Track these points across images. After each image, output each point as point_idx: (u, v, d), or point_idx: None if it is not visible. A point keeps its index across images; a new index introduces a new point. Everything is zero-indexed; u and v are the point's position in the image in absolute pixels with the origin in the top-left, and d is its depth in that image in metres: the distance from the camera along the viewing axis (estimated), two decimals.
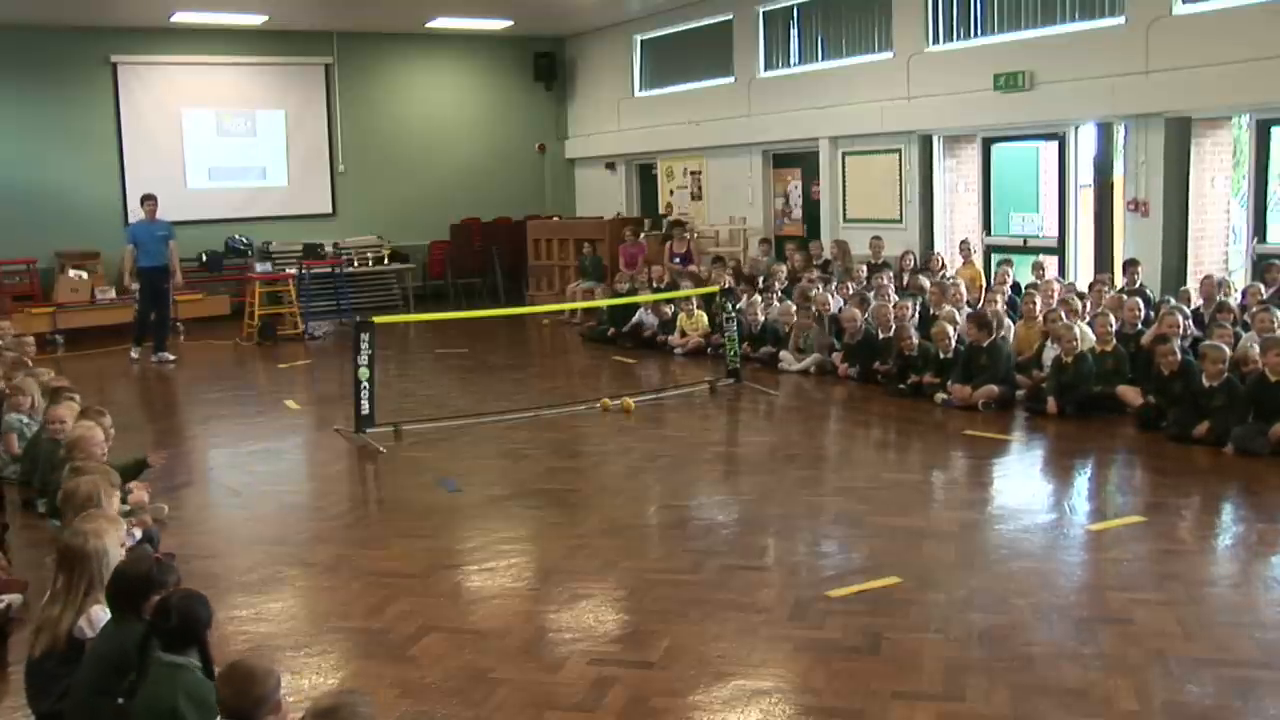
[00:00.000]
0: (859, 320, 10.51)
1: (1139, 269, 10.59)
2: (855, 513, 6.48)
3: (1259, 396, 7.56)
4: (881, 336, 10.27)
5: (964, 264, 12.32)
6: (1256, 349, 7.91)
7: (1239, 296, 9.76)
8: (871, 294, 11.35)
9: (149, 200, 13.10)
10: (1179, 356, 8.05)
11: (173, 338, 14.79)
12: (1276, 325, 8.20)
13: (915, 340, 9.78)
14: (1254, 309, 8.82)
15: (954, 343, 9.50)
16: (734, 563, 5.69)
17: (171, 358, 13.02)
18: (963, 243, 12.59)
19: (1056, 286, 10.70)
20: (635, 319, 13.18)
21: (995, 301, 10.44)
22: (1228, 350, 7.90)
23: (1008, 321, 10.09)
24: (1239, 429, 7.44)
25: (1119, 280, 10.70)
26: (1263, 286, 9.54)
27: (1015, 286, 11.35)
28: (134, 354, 13.14)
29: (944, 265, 12.59)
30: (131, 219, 16.39)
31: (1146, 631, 4.67)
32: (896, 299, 11.16)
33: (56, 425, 6.78)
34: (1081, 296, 10.16)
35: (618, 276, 15.35)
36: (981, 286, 11.99)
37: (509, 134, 19.14)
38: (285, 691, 3.41)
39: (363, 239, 17.30)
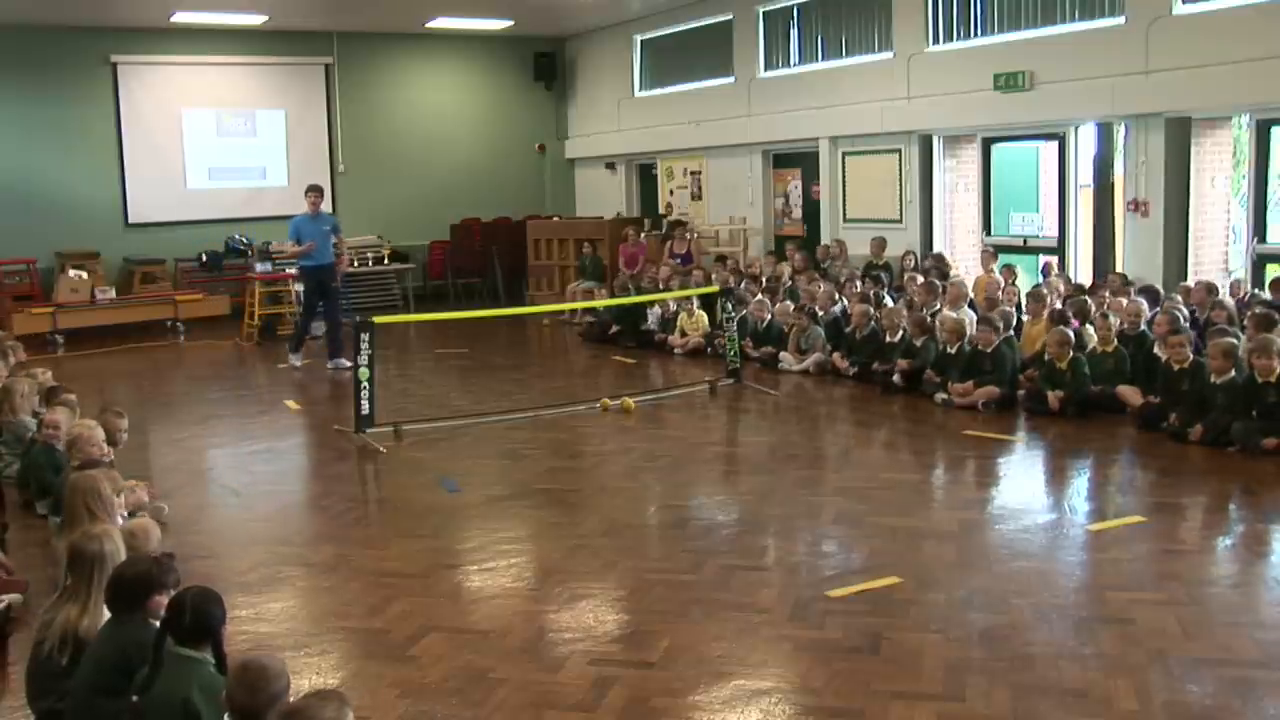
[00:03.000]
0: (869, 315, 10.51)
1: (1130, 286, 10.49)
2: (855, 513, 6.48)
3: (1250, 397, 7.58)
4: (887, 340, 10.24)
5: (985, 272, 12.02)
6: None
7: (1254, 291, 9.73)
8: (871, 293, 11.36)
9: (313, 191, 12.21)
10: (1188, 350, 8.06)
11: (175, 339, 14.84)
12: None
13: (935, 320, 9.80)
14: (1251, 311, 8.81)
15: (964, 340, 9.48)
16: (734, 563, 5.69)
17: (348, 364, 10.77)
18: (985, 251, 12.34)
19: (1062, 286, 10.69)
20: (650, 321, 13.15)
21: (1002, 303, 10.41)
22: (1235, 343, 7.91)
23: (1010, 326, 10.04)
24: (1239, 424, 7.45)
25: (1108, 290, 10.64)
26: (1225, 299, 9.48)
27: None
28: (295, 362, 12.15)
29: (937, 264, 12.52)
30: (132, 219, 16.50)
31: (1146, 631, 4.67)
32: (889, 299, 11.17)
33: (52, 430, 6.78)
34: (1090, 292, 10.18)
35: (617, 277, 15.35)
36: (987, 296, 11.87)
37: (509, 134, 19.14)
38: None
39: (363, 239, 17.29)
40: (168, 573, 3.89)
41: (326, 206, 17.43)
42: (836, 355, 10.66)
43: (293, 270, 15.08)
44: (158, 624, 3.76)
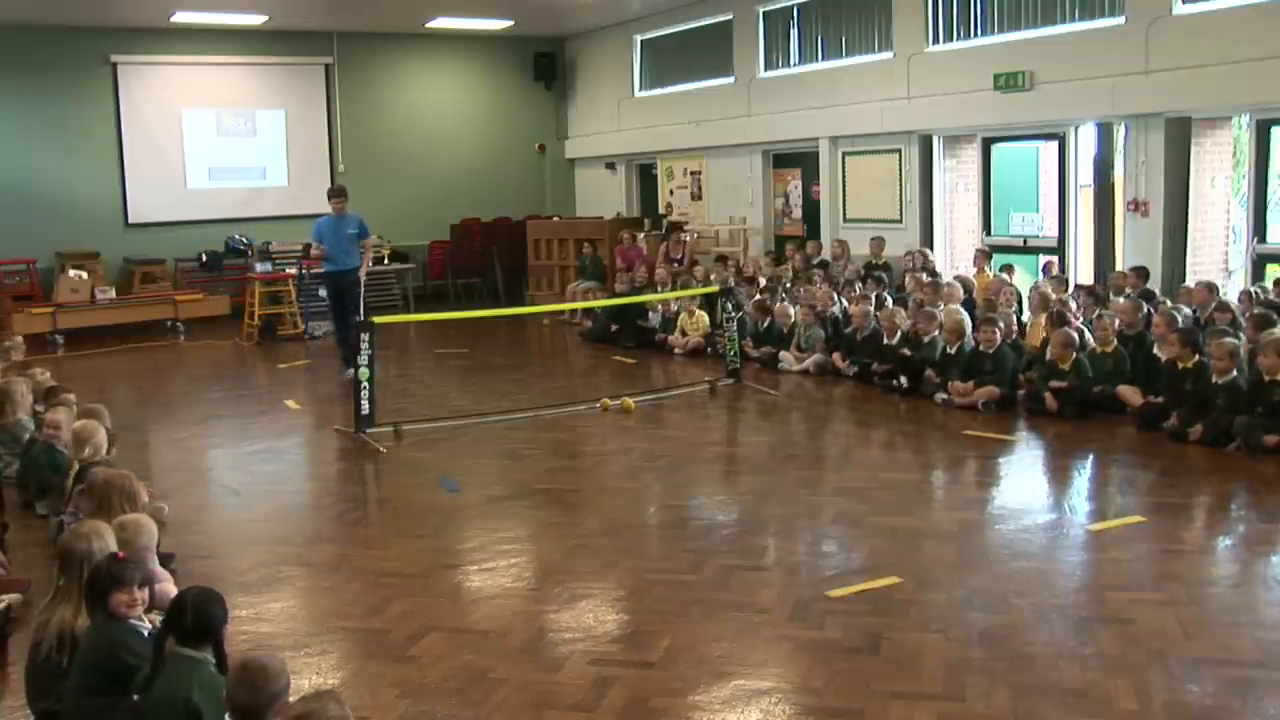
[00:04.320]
0: (870, 315, 10.52)
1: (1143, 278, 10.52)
2: (855, 513, 6.48)
3: (1256, 394, 7.58)
4: (885, 342, 10.24)
5: (978, 272, 11.99)
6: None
7: (1266, 291, 9.71)
8: (872, 295, 11.36)
9: (336, 195, 11.46)
10: (1179, 348, 8.06)
11: (175, 339, 14.83)
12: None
13: (936, 321, 9.81)
14: (1250, 312, 8.80)
15: (964, 340, 9.48)
16: (734, 563, 5.69)
17: (349, 372, 10.10)
18: (979, 251, 12.35)
19: (1050, 288, 10.67)
20: (650, 320, 13.16)
21: (1002, 305, 10.40)
22: (1238, 343, 7.91)
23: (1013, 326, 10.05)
24: (1241, 419, 7.46)
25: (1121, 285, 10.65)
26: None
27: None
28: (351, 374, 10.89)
29: (926, 262, 12.54)
30: (132, 219, 16.49)
31: (1146, 631, 4.67)
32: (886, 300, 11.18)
33: (53, 430, 6.78)
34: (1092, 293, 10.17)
35: (618, 277, 15.36)
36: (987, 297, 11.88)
37: (509, 134, 19.14)
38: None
39: None
40: (129, 570, 3.87)
41: (325, 206, 17.37)
42: (836, 355, 10.66)
43: (291, 270, 15.13)
44: (130, 623, 3.78)
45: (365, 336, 8.54)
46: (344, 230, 11.44)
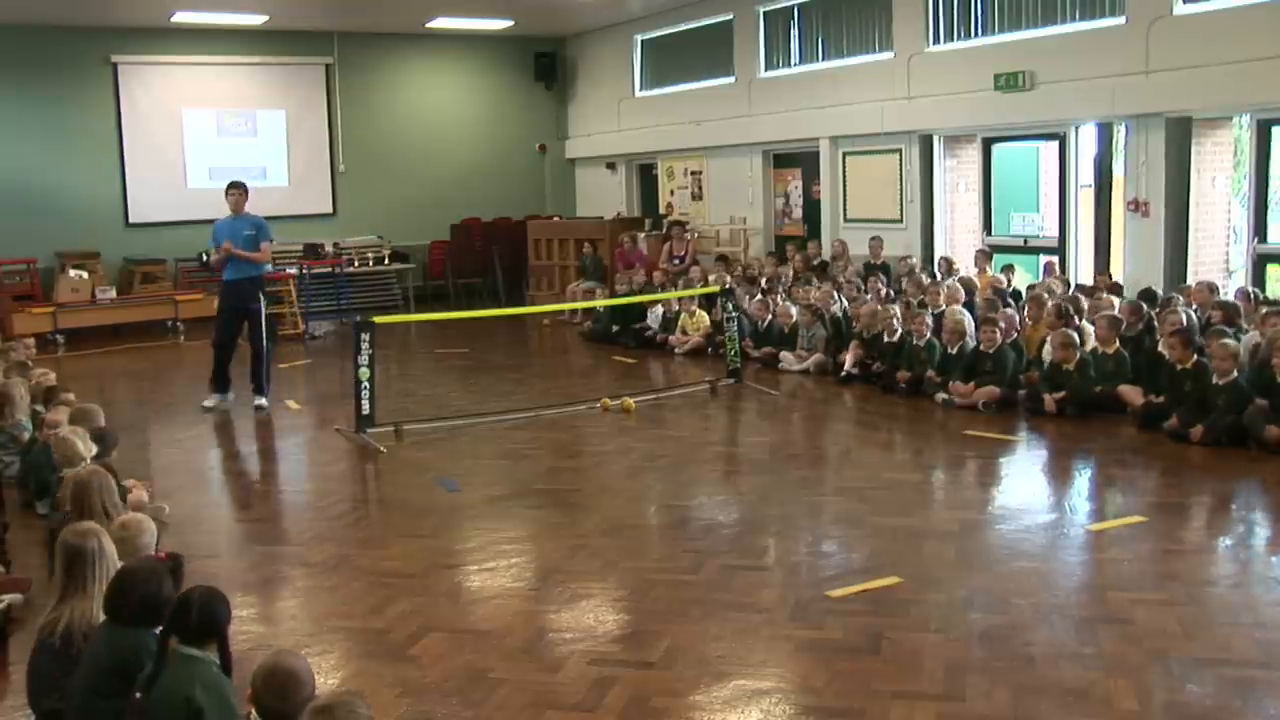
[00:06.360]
0: (874, 314, 10.52)
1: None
2: (855, 513, 6.48)
3: (1261, 393, 7.57)
4: (885, 341, 10.20)
5: (980, 273, 12.00)
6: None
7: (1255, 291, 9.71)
8: (869, 295, 11.37)
9: (234, 189, 9.91)
10: (1181, 348, 8.06)
11: (175, 339, 14.82)
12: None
13: (929, 323, 9.81)
14: (1261, 313, 8.79)
15: (967, 339, 9.47)
16: (734, 563, 5.69)
17: (265, 404, 9.97)
18: (980, 252, 12.38)
19: (1057, 288, 10.68)
20: (650, 320, 13.17)
21: (1000, 306, 10.40)
22: (1238, 345, 7.90)
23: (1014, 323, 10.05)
24: (1253, 408, 7.44)
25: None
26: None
27: (1015, 294, 11.26)
28: (207, 403, 10.00)
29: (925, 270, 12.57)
30: (133, 219, 16.48)
31: (1146, 631, 4.67)
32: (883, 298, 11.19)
33: (52, 430, 6.79)
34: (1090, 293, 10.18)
35: (618, 277, 15.37)
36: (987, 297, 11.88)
37: (509, 134, 19.14)
38: None
39: (363, 239, 17.29)
40: (173, 580, 3.89)
41: (325, 206, 17.78)
42: (845, 354, 10.62)
43: (292, 270, 15.12)
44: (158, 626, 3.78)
45: (365, 336, 8.53)
46: (240, 231, 9.85)
